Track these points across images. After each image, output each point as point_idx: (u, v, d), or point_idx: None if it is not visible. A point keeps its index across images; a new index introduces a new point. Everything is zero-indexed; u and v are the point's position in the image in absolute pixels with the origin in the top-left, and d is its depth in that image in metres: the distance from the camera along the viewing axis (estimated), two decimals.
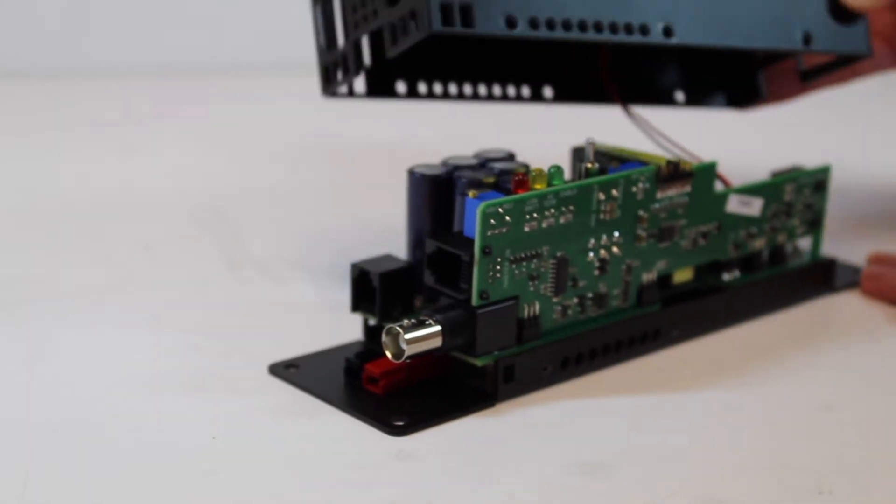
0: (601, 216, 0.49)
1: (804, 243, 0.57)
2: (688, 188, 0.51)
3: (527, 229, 0.46)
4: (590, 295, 0.49)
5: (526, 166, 0.50)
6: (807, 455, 0.44)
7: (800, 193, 0.56)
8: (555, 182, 0.47)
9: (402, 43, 0.47)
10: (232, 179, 0.75)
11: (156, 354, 0.51)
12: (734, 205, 0.53)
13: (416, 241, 0.51)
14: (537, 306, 0.47)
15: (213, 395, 0.47)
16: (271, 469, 0.42)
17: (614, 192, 0.49)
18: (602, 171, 0.49)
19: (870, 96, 0.89)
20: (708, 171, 0.52)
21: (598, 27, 0.49)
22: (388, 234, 0.57)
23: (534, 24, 0.47)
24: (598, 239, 0.49)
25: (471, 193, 0.46)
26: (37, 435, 0.44)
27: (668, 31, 0.50)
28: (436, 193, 0.50)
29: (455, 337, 0.45)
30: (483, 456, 0.43)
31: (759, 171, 0.56)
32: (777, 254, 0.56)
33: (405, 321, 0.45)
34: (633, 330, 0.50)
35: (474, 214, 0.45)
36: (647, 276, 0.51)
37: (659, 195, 0.50)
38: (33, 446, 0.43)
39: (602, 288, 0.50)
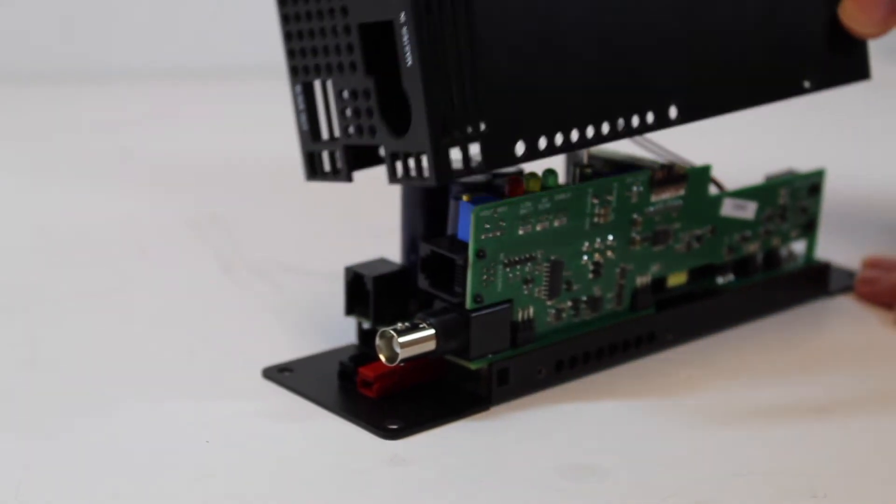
0: (595, 220, 0.49)
1: (798, 247, 0.57)
2: (682, 192, 0.51)
3: (521, 233, 0.46)
4: (584, 298, 0.49)
5: (520, 170, 0.50)
6: (800, 458, 0.44)
7: (794, 197, 0.56)
8: (549, 185, 0.47)
9: (404, 182, 0.45)
10: (227, 183, 0.75)
11: (150, 358, 0.51)
12: (728, 208, 0.53)
13: (410, 245, 0.51)
14: (531, 310, 0.47)
15: (207, 398, 0.47)
16: (265, 473, 0.42)
17: (608, 196, 0.49)
18: (596, 175, 0.49)
19: (864, 100, 0.89)
20: (702, 175, 0.52)
21: (614, 132, 0.47)
22: (382, 237, 0.57)
23: (551, 148, 0.45)
24: (592, 242, 0.49)
25: (465, 197, 0.46)
26: (32, 437, 0.44)
27: (681, 112, 0.48)
28: (430, 197, 0.50)
29: (449, 340, 0.45)
30: (477, 459, 0.43)
31: (754, 174, 0.56)
32: (771, 257, 0.56)
33: (399, 325, 0.45)
34: (628, 333, 0.50)
35: (468, 218, 0.45)
36: (642, 280, 0.51)
37: (653, 199, 0.50)
38: (29, 449, 0.43)
39: (596, 291, 0.50)
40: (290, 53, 0.47)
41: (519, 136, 0.44)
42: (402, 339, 0.45)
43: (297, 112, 0.48)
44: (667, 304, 0.52)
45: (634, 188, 0.49)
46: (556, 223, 0.47)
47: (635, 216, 0.50)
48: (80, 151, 0.82)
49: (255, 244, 0.63)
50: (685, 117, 0.48)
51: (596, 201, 0.48)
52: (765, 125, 0.75)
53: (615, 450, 0.44)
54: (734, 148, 0.77)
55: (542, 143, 0.45)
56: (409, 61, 0.42)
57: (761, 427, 0.46)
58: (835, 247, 0.61)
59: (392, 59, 0.43)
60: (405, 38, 0.42)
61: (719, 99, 0.50)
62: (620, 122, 0.47)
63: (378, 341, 0.45)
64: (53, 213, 0.69)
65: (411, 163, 0.44)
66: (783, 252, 0.56)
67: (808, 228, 0.57)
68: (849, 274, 0.59)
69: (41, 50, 1.04)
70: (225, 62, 1.05)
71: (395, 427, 0.45)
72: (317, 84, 0.47)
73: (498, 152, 0.44)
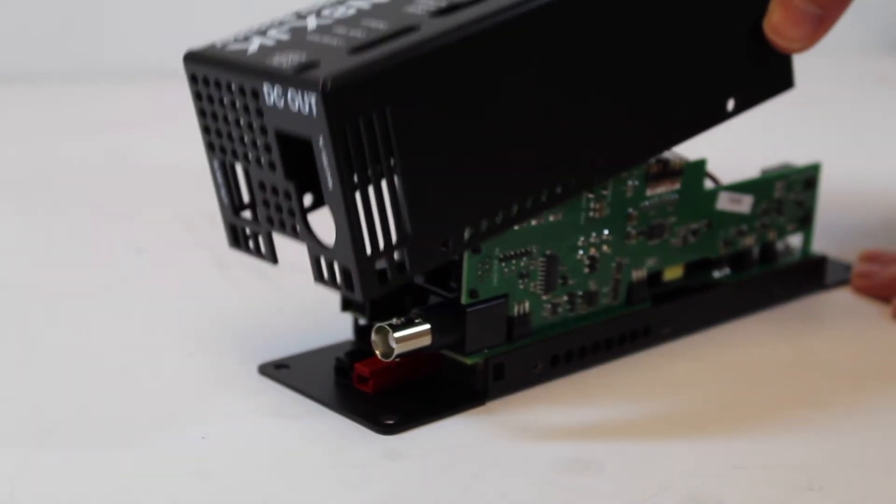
0: (591, 214, 0.49)
1: (795, 241, 0.57)
2: (677, 185, 0.51)
3: (516, 227, 0.46)
4: (580, 293, 0.49)
5: None
6: (797, 451, 0.44)
7: (790, 191, 0.56)
8: None
9: (330, 286, 0.43)
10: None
11: (145, 355, 0.51)
12: (724, 202, 0.53)
13: None
14: (527, 304, 0.47)
15: (203, 395, 0.47)
16: (261, 469, 0.42)
17: (604, 191, 0.49)
18: None
19: (860, 94, 0.89)
20: (697, 169, 0.52)
21: (536, 205, 0.45)
22: None
23: (476, 237, 0.44)
24: (587, 237, 0.49)
25: None
26: (26, 435, 0.44)
27: (603, 170, 0.47)
28: None
29: (445, 335, 0.45)
30: (473, 454, 0.43)
31: (749, 168, 0.56)
32: (767, 251, 0.56)
33: (395, 320, 0.45)
34: (624, 327, 0.50)
35: None
36: (637, 274, 0.51)
37: (648, 193, 0.50)
38: (23, 446, 0.43)
39: (592, 286, 0.49)
40: (205, 129, 0.45)
41: (444, 235, 0.43)
42: (397, 335, 0.45)
43: (216, 185, 0.46)
44: (663, 298, 0.52)
45: (630, 182, 0.49)
46: (551, 218, 0.47)
47: (631, 210, 0.50)
48: (75, 150, 0.82)
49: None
50: (608, 173, 0.48)
51: (591, 196, 0.48)
52: (760, 119, 0.75)
53: (611, 444, 0.44)
54: (729, 142, 0.77)
55: (467, 233, 0.44)
56: (330, 184, 0.41)
57: (758, 420, 0.46)
58: (831, 240, 0.61)
59: (313, 163, 0.42)
60: (324, 160, 0.41)
61: (641, 148, 0.48)
62: (544, 193, 0.46)
63: (374, 337, 0.45)
64: (48, 211, 0.69)
65: (337, 271, 0.43)
66: (779, 246, 0.56)
67: (805, 222, 0.57)
68: (845, 267, 0.59)
69: (37, 49, 1.04)
70: None
71: (391, 422, 0.45)
72: (237, 165, 0.45)
73: (424, 255, 0.43)
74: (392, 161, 0.41)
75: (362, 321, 0.50)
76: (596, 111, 0.46)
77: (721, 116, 0.50)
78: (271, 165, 0.43)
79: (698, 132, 0.50)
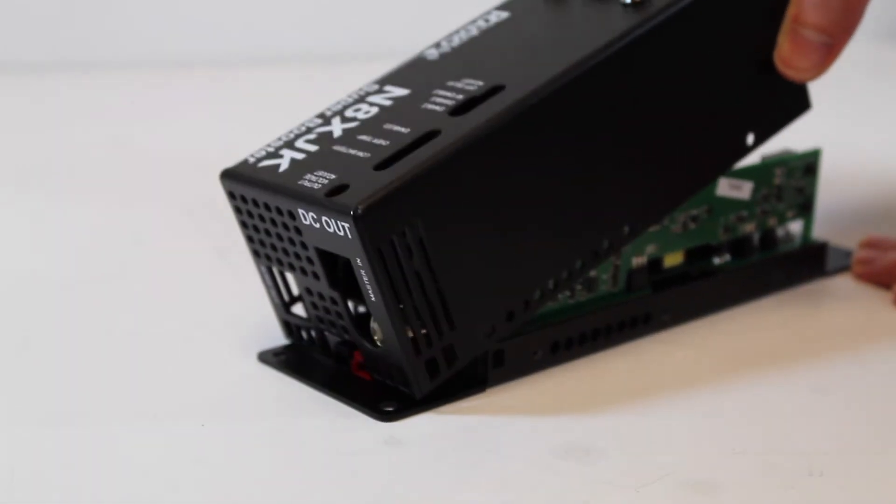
0: None
1: (795, 227, 0.57)
2: None
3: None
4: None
5: None
6: (797, 437, 0.44)
7: (790, 177, 0.55)
8: None
9: (387, 381, 0.46)
10: (220, 166, 0.74)
11: (145, 342, 0.51)
12: (724, 188, 0.53)
13: None
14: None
15: (202, 382, 0.47)
16: (261, 456, 0.42)
17: None
18: None
19: (861, 81, 0.89)
20: None
21: (571, 274, 0.47)
22: None
23: (514, 317, 0.46)
24: None
25: None
26: (26, 421, 0.44)
27: (632, 228, 0.48)
28: None
29: None
30: (473, 441, 0.43)
31: (750, 154, 0.56)
32: (768, 237, 0.56)
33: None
34: (624, 314, 0.50)
35: None
36: (637, 261, 0.51)
37: None
38: (23, 432, 0.43)
39: (592, 272, 0.49)
40: (249, 238, 0.47)
41: (487, 321, 0.45)
42: None
43: (266, 286, 0.48)
44: (663, 284, 0.52)
45: None
46: None
47: None
48: (77, 140, 0.82)
49: None
50: (638, 230, 0.48)
51: None
52: None
53: (611, 430, 0.44)
54: None
55: (508, 317, 0.45)
56: (373, 297, 0.43)
57: (758, 406, 0.46)
58: (832, 227, 0.61)
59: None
60: (365, 278, 0.42)
61: (668, 199, 0.49)
62: (578, 261, 0.47)
63: (373, 324, 0.45)
64: (49, 201, 0.69)
65: (391, 367, 0.45)
66: (780, 232, 0.56)
67: (805, 209, 0.56)
68: (846, 254, 0.59)
69: (39, 38, 1.04)
70: (225, 51, 1.05)
71: (390, 409, 0.45)
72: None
73: (470, 344, 0.45)
74: (428, 265, 0.43)
75: (361, 309, 0.49)
76: (620, 175, 0.47)
77: (742, 151, 0.51)
78: (315, 276, 0.45)
79: (722, 172, 0.51)
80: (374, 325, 0.45)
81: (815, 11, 0.49)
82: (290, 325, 0.49)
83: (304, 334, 0.48)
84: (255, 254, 0.47)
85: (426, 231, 0.43)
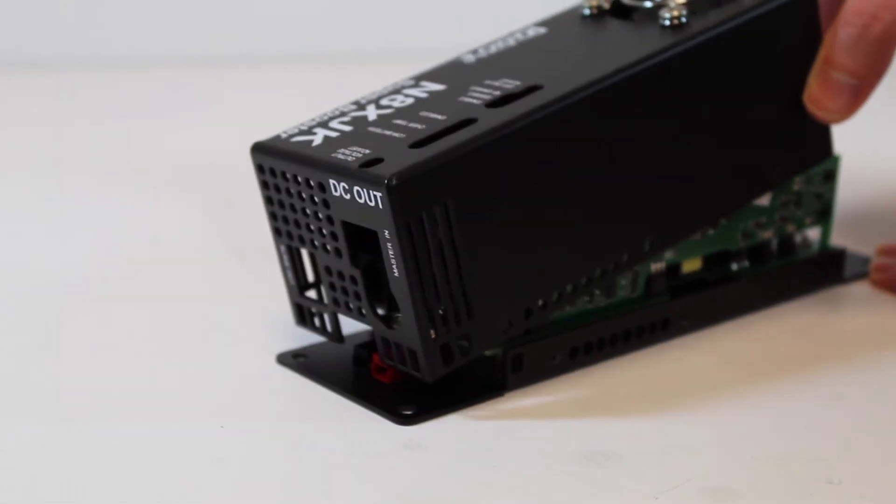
0: None
1: (813, 233, 0.57)
2: None
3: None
4: None
5: None
6: (816, 445, 0.44)
7: (809, 183, 0.55)
8: None
9: (397, 366, 0.45)
10: (240, 168, 0.74)
11: (164, 343, 0.51)
12: None
13: None
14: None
15: (221, 384, 0.47)
16: (279, 458, 0.42)
17: None
18: None
19: (880, 86, 0.88)
20: None
21: (590, 282, 0.47)
22: None
23: (532, 315, 0.46)
24: None
25: None
26: (46, 422, 0.44)
27: (659, 242, 0.49)
28: None
29: None
30: (491, 445, 0.43)
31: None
32: (786, 244, 0.56)
33: None
34: (642, 320, 0.50)
35: None
36: (656, 266, 0.51)
37: None
38: (44, 432, 0.43)
39: None
40: (272, 216, 0.47)
41: (505, 314, 0.45)
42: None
43: (282, 267, 0.48)
44: (681, 290, 0.52)
45: None
46: None
47: None
48: (95, 138, 0.82)
49: (269, 230, 0.63)
50: (657, 250, 0.49)
51: None
52: None
53: (630, 436, 0.44)
54: None
55: (525, 314, 0.45)
56: (396, 273, 0.43)
57: (777, 413, 0.46)
58: (850, 233, 0.61)
59: (379, 248, 0.43)
60: (390, 251, 0.42)
61: (689, 222, 0.50)
62: (597, 270, 0.47)
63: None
64: (64, 201, 0.69)
65: (404, 351, 0.44)
66: (798, 238, 0.56)
67: (823, 215, 0.56)
68: (864, 261, 0.59)
69: (56, 36, 1.05)
70: (242, 50, 1.05)
71: (409, 413, 0.45)
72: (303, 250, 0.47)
73: (486, 335, 0.45)
74: (454, 247, 0.43)
75: (381, 311, 0.49)
76: (645, 190, 0.48)
77: (764, 187, 0.52)
78: (337, 252, 0.44)
79: (742, 205, 0.52)
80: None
81: (845, 54, 0.50)
82: (302, 310, 0.48)
83: (316, 320, 0.48)
84: (277, 232, 0.47)
85: (456, 212, 0.43)
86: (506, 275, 0.44)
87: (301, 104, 0.89)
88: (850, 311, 0.55)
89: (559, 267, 0.46)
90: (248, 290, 0.56)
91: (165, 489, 0.40)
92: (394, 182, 0.41)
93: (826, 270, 0.57)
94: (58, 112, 0.90)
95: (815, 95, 0.51)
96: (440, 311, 0.43)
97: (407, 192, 0.42)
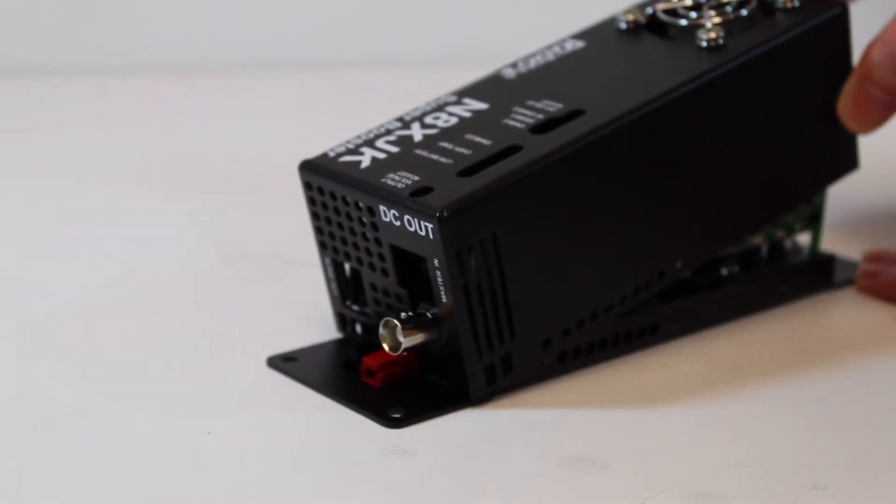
0: None
1: (803, 239, 0.57)
2: None
3: None
4: None
5: None
6: (802, 450, 0.44)
7: None
8: None
9: (442, 384, 0.46)
10: (228, 174, 0.74)
11: (152, 348, 0.51)
12: None
13: None
14: None
15: (210, 388, 0.47)
16: (268, 462, 0.42)
17: None
18: None
19: None
20: None
21: (624, 301, 0.48)
22: None
23: (569, 334, 0.47)
24: None
25: None
26: (32, 430, 0.44)
27: (691, 260, 0.50)
28: None
29: None
30: (479, 450, 0.43)
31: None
32: (776, 249, 0.56)
33: (402, 314, 0.45)
34: (631, 324, 0.50)
35: None
36: None
37: None
38: (29, 441, 0.43)
39: None
40: (318, 230, 0.48)
41: (546, 336, 0.46)
42: (405, 329, 0.45)
43: (326, 279, 0.49)
44: (670, 295, 0.52)
45: None
46: None
47: None
48: (83, 144, 0.82)
49: (258, 237, 0.63)
50: (689, 264, 0.50)
51: None
52: None
53: (617, 441, 0.44)
54: None
55: (563, 333, 0.47)
56: (444, 298, 0.44)
57: (763, 419, 0.46)
58: (840, 239, 0.61)
59: (423, 270, 0.44)
60: (439, 279, 0.43)
61: (720, 238, 0.51)
62: (631, 289, 0.48)
63: (382, 331, 0.45)
64: (53, 205, 0.69)
65: (448, 368, 0.46)
66: (788, 244, 0.56)
67: (813, 221, 0.56)
68: (854, 266, 0.59)
69: (46, 42, 1.04)
70: (230, 57, 1.05)
71: (397, 416, 0.45)
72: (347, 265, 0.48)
73: (527, 357, 0.46)
74: (501, 272, 0.44)
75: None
76: (681, 209, 0.49)
77: (794, 202, 0.53)
78: (384, 272, 0.46)
79: (773, 220, 0.53)
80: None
81: (885, 72, 0.51)
82: (344, 318, 0.49)
83: (359, 329, 0.49)
84: (322, 245, 0.48)
85: (502, 241, 0.44)
86: (547, 297, 0.46)
87: (296, 111, 0.89)
88: (838, 316, 0.55)
89: (596, 286, 0.47)
90: (237, 296, 0.56)
91: (151, 493, 0.40)
92: (445, 214, 0.42)
93: (816, 276, 0.57)
94: (43, 118, 0.89)
95: (850, 108, 0.52)
96: (484, 337, 0.44)
97: (457, 223, 0.43)
